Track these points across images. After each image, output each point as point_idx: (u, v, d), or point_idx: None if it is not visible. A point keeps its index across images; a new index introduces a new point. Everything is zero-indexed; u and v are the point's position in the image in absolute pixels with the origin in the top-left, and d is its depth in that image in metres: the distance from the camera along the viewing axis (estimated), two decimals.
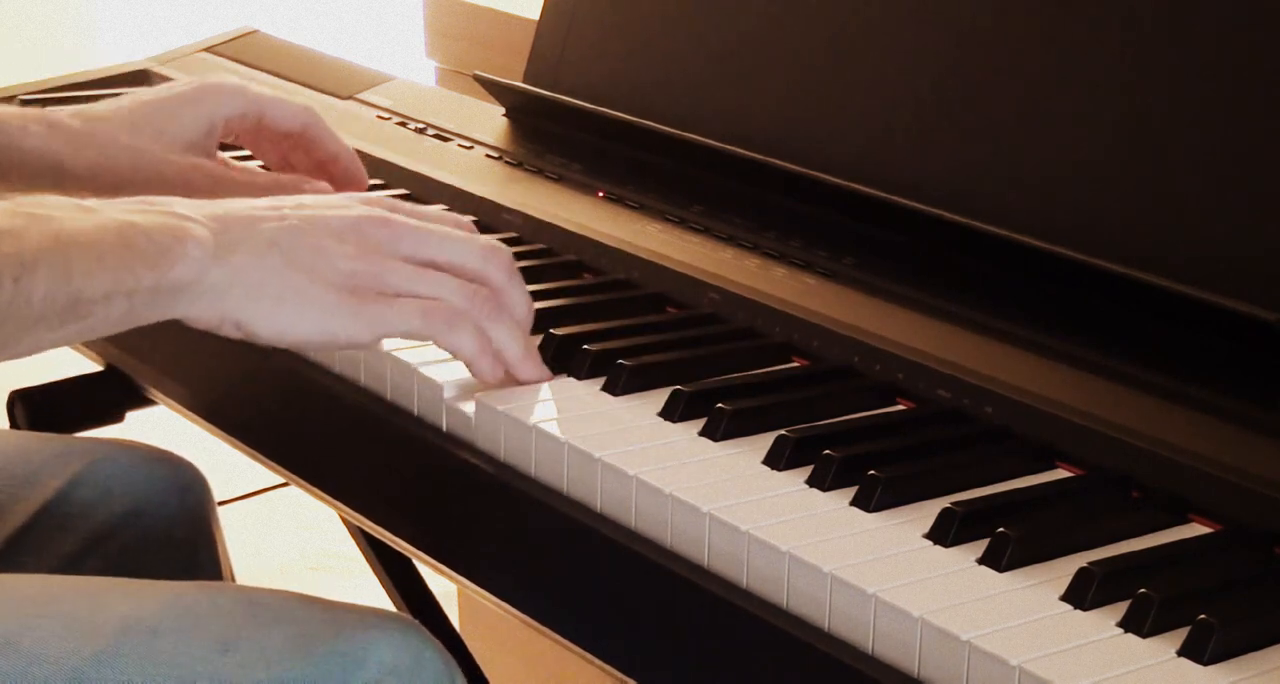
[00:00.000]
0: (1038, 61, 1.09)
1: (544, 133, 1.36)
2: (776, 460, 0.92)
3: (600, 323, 1.07)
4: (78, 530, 1.20)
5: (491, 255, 1.00)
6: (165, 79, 1.55)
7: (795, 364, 1.04)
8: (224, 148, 1.24)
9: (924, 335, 1.01)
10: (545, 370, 1.01)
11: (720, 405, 0.95)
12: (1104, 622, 0.78)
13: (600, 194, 1.24)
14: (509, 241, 1.20)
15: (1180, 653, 0.76)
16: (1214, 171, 1.00)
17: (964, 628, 0.77)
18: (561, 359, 1.02)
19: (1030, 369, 0.97)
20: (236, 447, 1.19)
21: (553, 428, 0.95)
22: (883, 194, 1.12)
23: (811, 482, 0.90)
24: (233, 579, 1.30)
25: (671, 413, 0.97)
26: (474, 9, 1.63)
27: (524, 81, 1.37)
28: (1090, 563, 0.80)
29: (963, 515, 0.85)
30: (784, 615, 0.83)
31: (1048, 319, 1.01)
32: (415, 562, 1.45)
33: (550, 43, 1.37)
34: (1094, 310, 1.01)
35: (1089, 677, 0.74)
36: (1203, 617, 0.76)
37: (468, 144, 1.35)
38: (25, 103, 1.49)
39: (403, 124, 1.40)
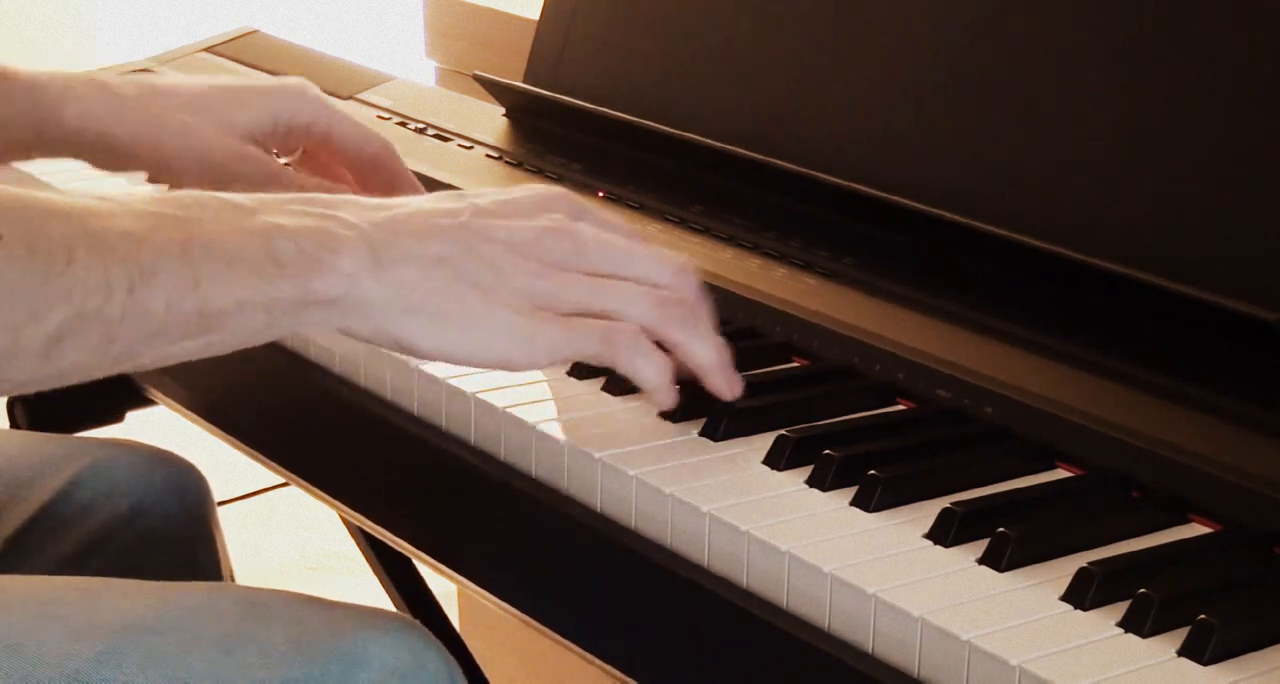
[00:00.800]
0: (1038, 61, 1.09)
1: (544, 133, 1.36)
2: (776, 460, 0.92)
3: None
4: (78, 530, 1.20)
5: (681, 270, 0.94)
6: None
7: (795, 364, 1.04)
8: None
9: (924, 335, 1.01)
10: (739, 382, 0.95)
11: (720, 405, 0.95)
12: (1104, 622, 0.78)
13: (600, 194, 1.24)
14: None
15: (1180, 653, 0.76)
16: (1214, 171, 1.00)
17: (964, 628, 0.77)
18: None
19: (1030, 369, 0.97)
20: (236, 447, 1.19)
21: (553, 428, 0.95)
22: (883, 194, 1.12)
23: (811, 482, 0.90)
24: (232, 579, 1.30)
25: (671, 413, 0.97)
26: (474, 9, 1.63)
27: (524, 81, 1.37)
28: (1090, 563, 0.80)
29: (963, 515, 0.85)
30: (784, 615, 0.83)
31: (1048, 319, 1.01)
32: (415, 562, 1.45)
33: (550, 43, 1.37)
34: (1094, 310, 1.01)
35: (1089, 677, 0.74)
36: (1203, 617, 0.76)
37: (468, 144, 1.35)
38: None
39: (403, 124, 1.40)
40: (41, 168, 1.27)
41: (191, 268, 0.84)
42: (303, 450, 1.14)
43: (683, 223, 1.18)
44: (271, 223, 0.87)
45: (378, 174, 1.15)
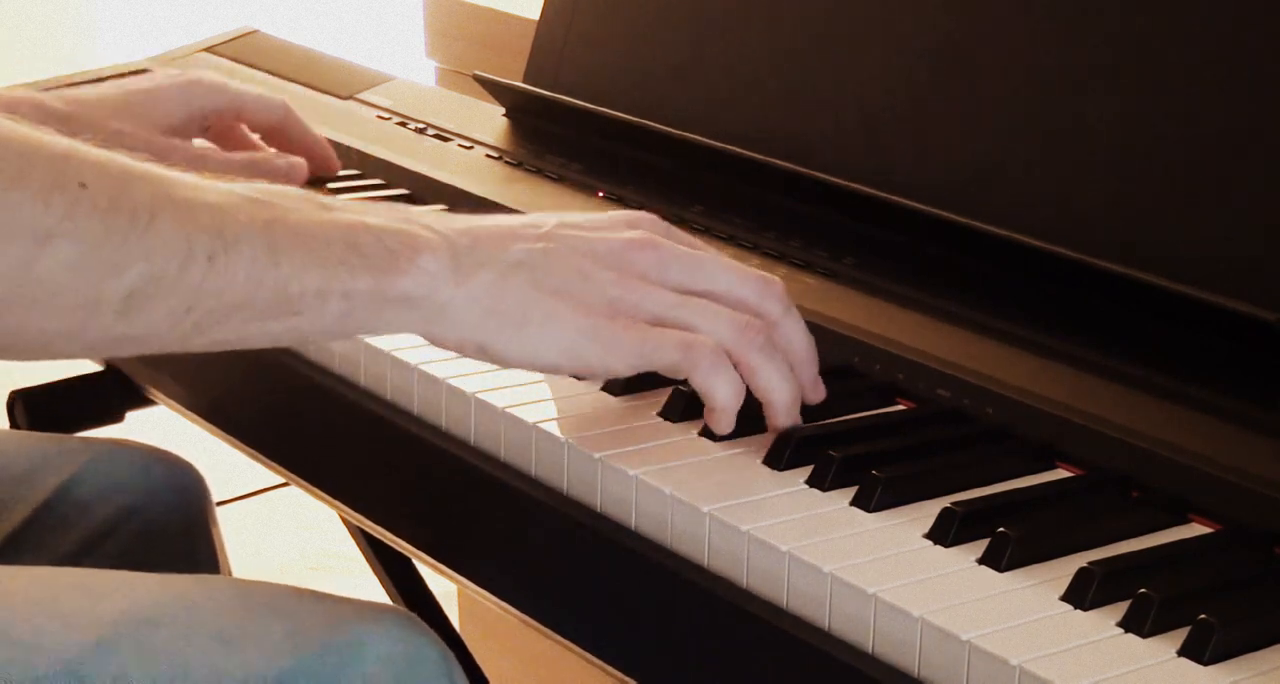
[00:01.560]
0: (1039, 61, 1.09)
1: (544, 133, 1.36)
2: (776, 460, 0.92)
3: None
4: (76, 529, 1.21)
5: (767, 287, 0.94)
6: None
7: None
8: None
9: (924, 335, 1.01)
10: (797, 417, 0.94)
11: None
12: (1104, 622, 0.78)
13: (600, 194, 1.24)
14: None
15: (1180, 653, 0.76)
16: (1214, 171, 1.00)
17: (964, 628, 0.77)
18: None
19: (1030, 369, 0.97)
20: (236, 447, 1.19)
21: (553, 428, 0.95)
22: (883, 194, 1.12)
23: (812, 482, 0.90)
24: None
25: (671, 413, 0.97)
26: (474, 9, 1.63)
27: (524, 81, 1.37)
28: (1090, 563, 0.80)
29: (963, 515, 0.85)
30: (784, 615, 0.83)
31: (1048, 319, 1.01)
32: (415, 562, 1.45)
33: (550, 43, 1.37)
34: (1094, 310, 1.01)
35: (1089, 677, 0.74)
36: (1203, 617, 0.76)
37: (468, 144, 1.35)
38: None
39: (403, 124, 1.40)
40: None
41: (273, 246, 0.85)
42: (303, 450, 1.14)
43: (683, 223, 1.18)
44: (356, 219, 0.88)
45: (286, 135, 1.28)
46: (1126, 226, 1.02)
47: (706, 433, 0.95)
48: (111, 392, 1.40)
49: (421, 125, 1.39)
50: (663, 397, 0.98)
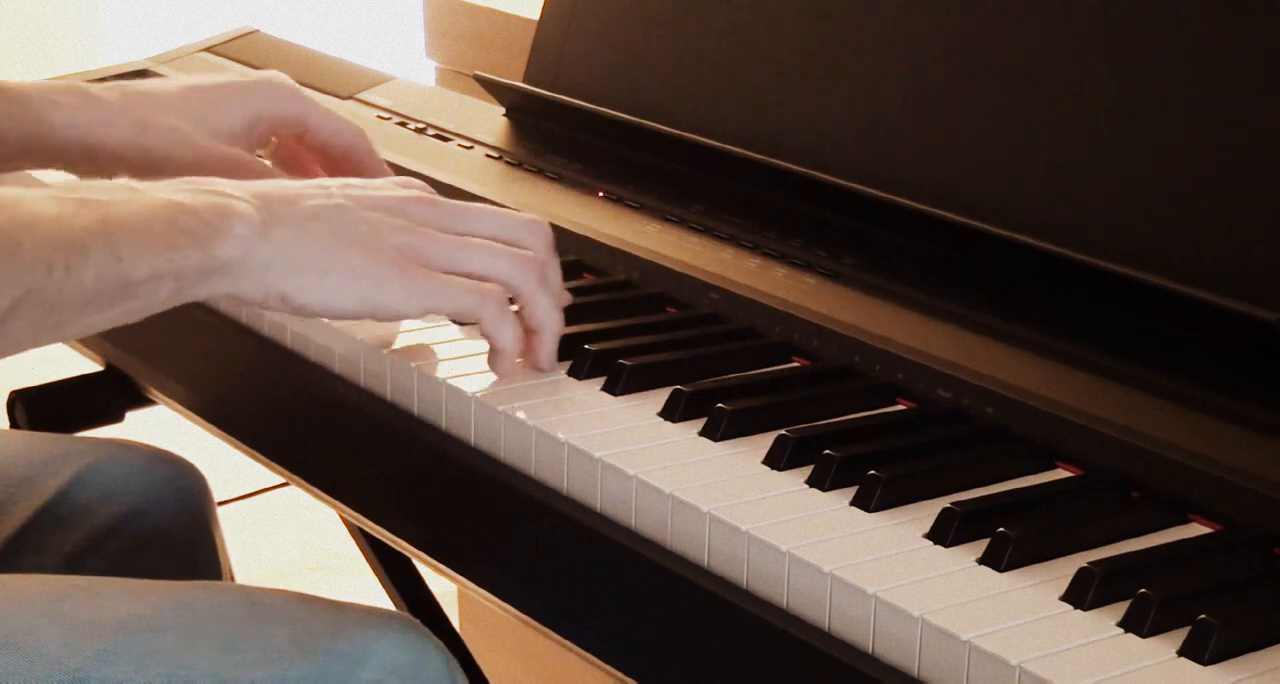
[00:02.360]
0: (1038, 61, 1.09)
1: (544, 133, 1.36)
2: (776, 460, 0.92)
3: (601, 323, 1.07)
4: (77, 530, 1.20)
5: (536, 228, 1.02)
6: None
7: (795, 364, 1.04)
8: None
9: (924, 335, 1.01)
10: (555, 362, 1.02)
11: (720, 405, 0.95)
12: (1104, 622, 0.78)
13: (600, 194, 1.24)
14: None
15: (1180, 653, 0.76)
16: (1213, 171, 1.00)
17: (964, 628, 0.77)
18: (562, 359, 1.02)
19: (1030, 369, 0.97)
20: (236, 447, 1.19)
21: (553, 428, 0.95)
22: (883, 194, 1.12)
23: (811, 482, 0.90)
24: (232, 579, 1.30)
25: (671, 413, 0.97)
26: (474, 9, 1.63)
27: (524, 81, 1.37)
28: (1090, 563, 0.80)
29: (963, 515, 0.85)
30: (784, 615, 0.83)
31: (1048, 319, 1.01)
32: (415, 562, 1.45)
33: (550, 43, 1.37)
34: (1094, 310, 1.01)
35: (1089, 677, 0.74)
36: (1203, 617, 0.76)
37: (468, 144, 1.35)
38: None
39: (403, 124, 1.40)
40: None
41: (111, 243, 0.90)
42: (303, 450, 1.14)
43: (683, 223, 1.18)
44: (171, 199, 0.93)
45: (349, 162, 1.19)
46: (1127, 227, 1.02)
47: (706, 432, 0.95)
48: (111, 392, 1.40)
49: (421, 125, 1.39)
50: (663, 396, 0.98)
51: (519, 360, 1.01)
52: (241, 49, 1.60)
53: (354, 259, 0.96)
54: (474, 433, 0.99)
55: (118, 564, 1.20)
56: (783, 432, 0.92)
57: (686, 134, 1.24)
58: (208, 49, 1.61)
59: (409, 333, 1.06)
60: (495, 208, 1.03)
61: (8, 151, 1.14)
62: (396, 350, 1.04)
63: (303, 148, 1.20)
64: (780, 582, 0.83)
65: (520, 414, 0.97)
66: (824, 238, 1.13)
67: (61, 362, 1.37)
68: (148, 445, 1.27)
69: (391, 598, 1.63)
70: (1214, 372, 0.94)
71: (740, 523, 0.85)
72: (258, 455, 1.17)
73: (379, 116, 1.42)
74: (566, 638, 0.94)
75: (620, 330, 1.06)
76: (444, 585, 1.51)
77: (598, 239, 1.17)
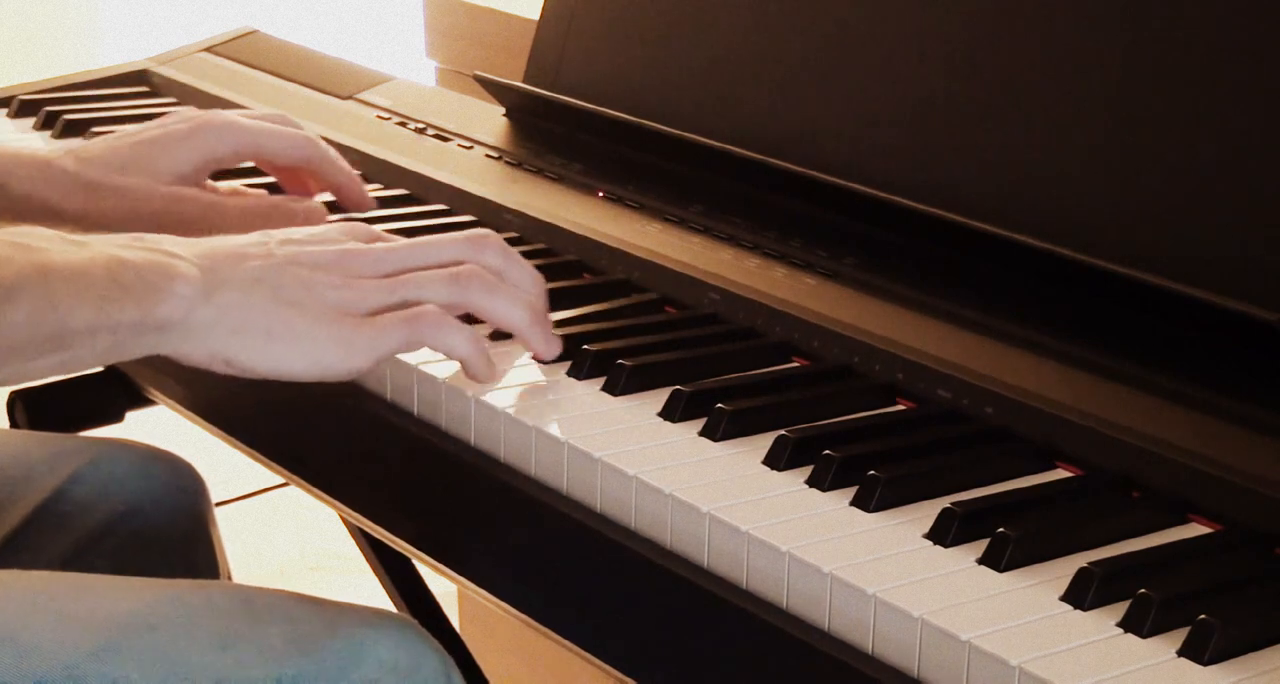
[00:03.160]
0: (1038, 61, 1.09)
1: (544, 133, 1.36)
2: (776, 460, 0.92)
3: (600, 323, 1.07)
4: (75, 529, 1.21)
5: (478, 244, 1.01)
6: (165, 79, 1.56)
7: (795, 364, 1.04)
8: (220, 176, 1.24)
9: (924, 335, 1.01)
10: (556, 342, 1.01)
11: (720, 405, 0.95)
12: (1104, 622, 0.78)
13: (600, 194, 1.24)
14: (509, 241, 1.20)
15: (1180, 653, 0.76)
16: (1213, 171, 1.00)
17: (964, 628, 0.77)
18: (562, 359, 1.02)
19: (1030, 369, 0.97)
20: (236, 447, 1.19)
21: (553, 428, 0.95)
22: (883, 194, 1.12)
23: (811, 482, 0.90)
24: (230, 579, 1.30)
25: (671, 413, 0.97)
26: (474, 9, 1.63)
27: (524, 81, 1.37)
28: (1090, 563, 0.80)
29: (963, 515, 0.85)
30: (784, 615, 0.83)
31: (1048, 319, 1.01)
32: (415, 562, 1.45)
33: (550, 43, 1.37)
34: (1094, 310, 1.01)
35: (1089, 677, 0.74)
36: (1203, 617, 0.76)
37: (468, 144, 1.35)
38: (25, 103, 1.50)
39: (403, 124, 1.40)
40: None
41: (48, 290, 0.90)
42: (303, 450, 1.14)
43: (683, 223, 1.18)
44: (112, 254, 0.93)
45: (313, 171, 1.22)
46: (1127, 227, 1.02)
47: (706, 433, 0.95)
48: (111, 391, 1.40)
49: (421, 125, 1.39)
50: (663, 397, 0.98)
51: (526, 361, 1.00)
52: (241, 49, 1.60)
53: (295, 322, 0.95)
54: (474, 433, 0.99)
55: (115, 563, 1.20)
56: (783, 432, 0.92)
57: (686, 134, 1.24)
58: (208, 49, 1.61)
59: None
60: (431, 238, 1.01)
61: None
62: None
63: (265, 164, 1.23)
64: (780, 582, 0.83)
65: (520, 414, 0.96)
66: (824, 238, 1.13)
67: None
68: (146, 445, 1.27)
69: (391, 598, 1.63)
70: (1214, 372, 0.94)
71: (740, 523, 0.85)
72: (257, 455, 1.17)
73: (379, 116, 1.42)
74: (566, 638, 0.94)
75: (620, 330, 1.06)
76: (444, 585, 1.51)
77: (598, 239, 1.17)
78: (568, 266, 1.16)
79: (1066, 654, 0.76)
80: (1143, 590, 0.78)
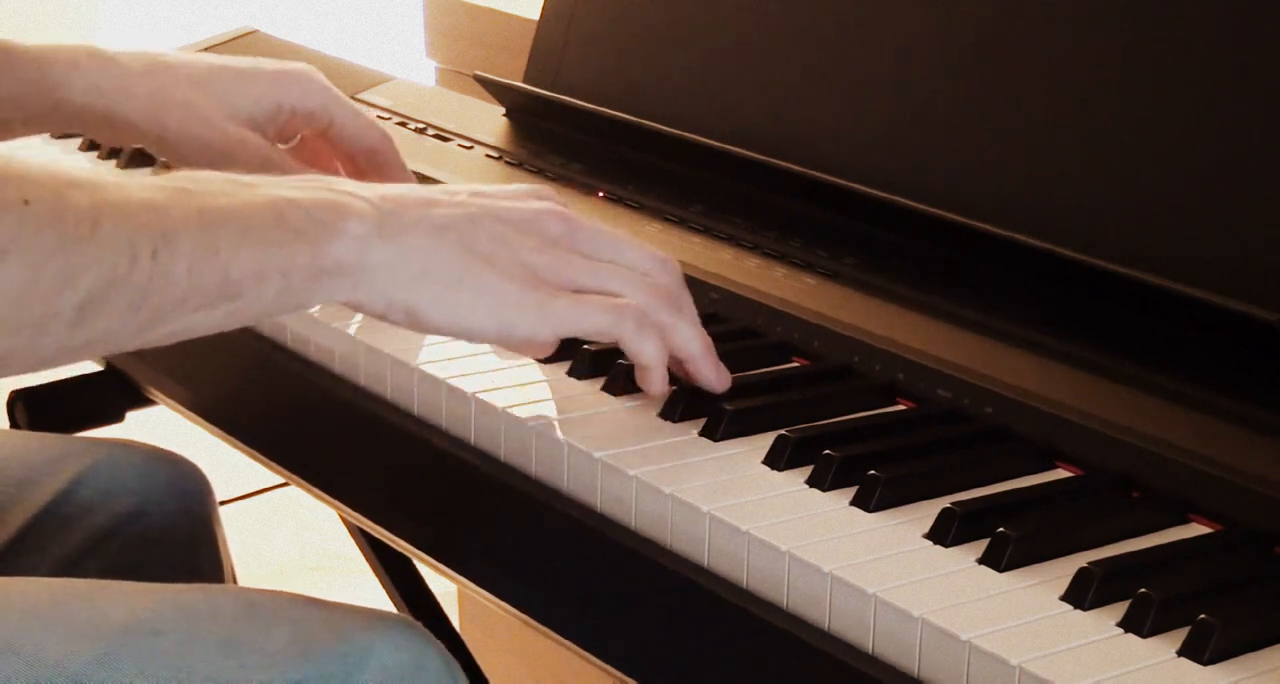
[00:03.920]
0: (1038, 61, 1.09)
1: (544, 133, 1.36)
2: (776, 460, 0.92)
3: None
4: (78, 530, 1.20)
5: (666, 265, 0.96)
6: None
7: (795, 364, 1.04)
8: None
9: (924, 335, 1.01)
10: (726, 374, 0.97)
11: (721, 405, 0.95)
12: (1104, 622, 0.78)
13: (600, 194, 1.24)
14: None
15: (1180, 653, 0.76)
16: (1213, 171, 1.00)
17: (964, 628, 0.77)
18: (561, 359, 1.02)
19: (1030, 369, 0.97)
20: (236, 447, 1.19)
21: (553, 428, 0.95)
22: (883, 194, 1.12)
23: (811, 482, 0.90)
24: (234, 579, 1.30)
25: (671, 413, 0.97)
26: (474, 9, 1.63)
27: (524, 81, 1.37)
28: (1090, 563, 0.80)
29: (963, 515, 0.85)
30: (784, 615, 0.83)
31: (1048, 319, 1.01)
32: (415, 562, 1.45)
33: (550, 43, 1.37)
34: (1094, 310, 1.01)
35: (1089, 677, 0.74)
36: (1203, 617, 0.76)
37: (468, 144, 1.35)
38: None
39: (403, 124, 1.40)
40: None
41: (210, 235, 0.85)
42: (303, 450, 1.14)
43: (683, 223, 1.18)
44: (279, 195, 0.88)
45: (372, 165, 1.17)
46: (1127, 227, 1.02)
47: (706, 433, 0.95)
48: (112, 391, 1.40)
49: (421, 125, 1.39)
50: (663, 396, 0.98)
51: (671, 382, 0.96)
52: (241, 49, 1.60)
53: (486, 276, 0.90)
54: (474, 433, 0.99)
55: (118, 564, 1.20)
56: (783, 432, 0.93)
57: (686, 134, 1.24)
58: (208, 49, 1.61)
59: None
60: (629, 237, 0.97)
61: (25, 115, 1.12)
62: (396, 350, 1.04)
63: (326, 145, 1.18)
64: (780, 582, 0.83)
65: (520, 414, 0.96)
66: (824, 238, 1.13)
67: None
68: (148, 445, 1.27)
69: (391, 598, 1.63)
70: (1214, 372, 0.94)
71: (740, 523, 0.85)
72: (258, 455, 1.17)
73: (379, 116, 1.42)
74: (566, 638, 0.94)
75: None
76: (444, 585, 1.51)
77: None
78: None
79: (1066, 654, 0.76)
80: (1143, 590, 0.78)
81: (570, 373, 1.02)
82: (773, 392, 0.99)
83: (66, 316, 0.82)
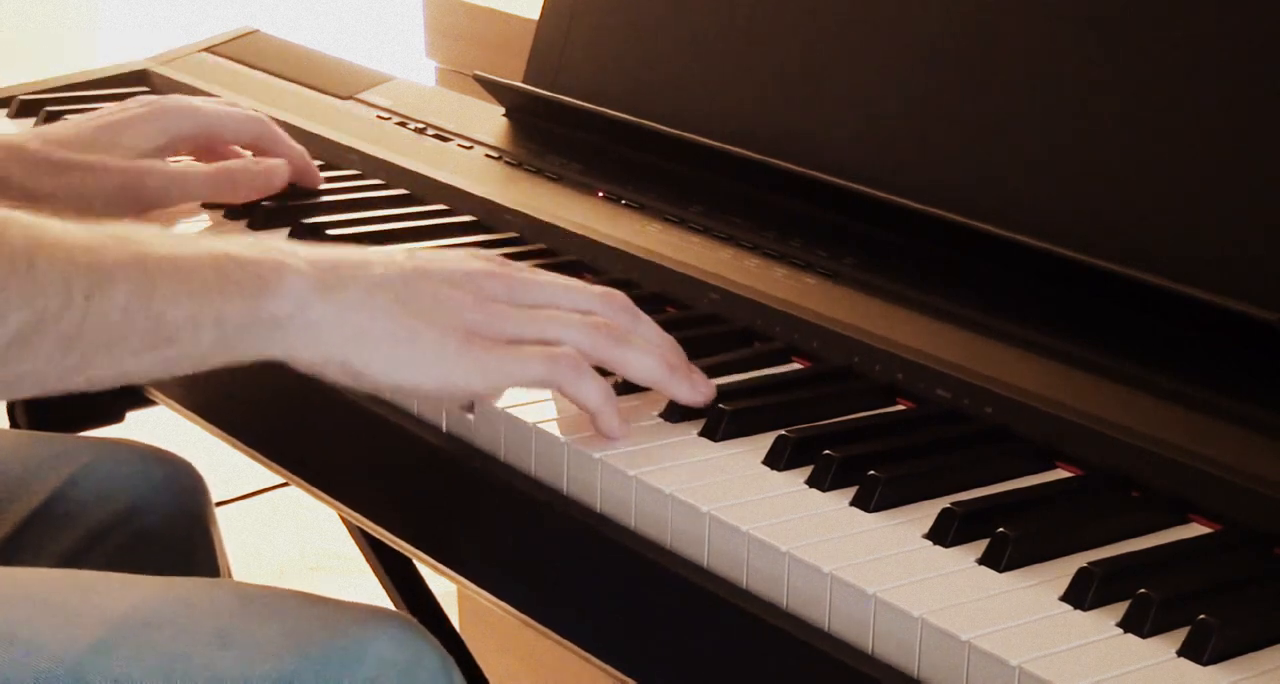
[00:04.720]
0: (1038, 61, 1.09)
1: (544, 133, 1.36)
2: (776, 460, 0.92)
3: None
4: (75, 529, 1.21)
5: (609, 300, 0.97)
6: (165, 79, 1.56)
7: (795, 364, 1.04)
8: None
9: (924, 335, 1.01)
10: (705, 384, 0.96)
11: (720, 405, 0.95)
12: (1104, 622, 0.78)
13: (600, 194, 1.24)
14: (509, 241, 1.20)
15: (1180, 653, 0.76)
16: (1214, 171, 1.00)
17: (964, 628, 0.77)
18: None
19: (1030, 369, 0.97)
20: (236, 447, 1.19)
21: (553, 428, 0.95)
22: (883, 194, 1.12)
23: (811, 482, 0.90)
24: (230, 578, 1.30)
25: (672, 413, 0.97)
26: (474, 9, 1.63)
27: (524, 81, 1.37)
28: (1090, 563, 0.80)
29: (963, 515, 0.85)
30: (784, 615, 0.83)
31: (1048, 319, 1.01)
32: (415, 562, 1.45)
33: (550, 43, 1.37)
34: (1094, 310, 1.01)
35: (1089, 677, 0.74)
36: (1203, 617, 0.76)
37: (468, 144, 1.35)
38: (25, 103, 1.50)
39: (403, 124, 1.40)
40: None
41: (148, 279, 0.87)
42: (303, 450, 1.14)
43: (683, 223, 1.18)
44: (221, 250, 0.90)
45: (262, 150, 1.28)
46: (1127, 227, 1.02)
47: (706, 433, 0.95)
48: (111, 391, 1.39)
49: (421, 125, 1.39)
50: (663, 397, 0.98)
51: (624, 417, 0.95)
52: (241, 49, 1.60)
53: (423, 332, 0.91)
54: (474, 433, 0.99)
55: (115, 563, 1.20)
56: (783, 432, 0.92)
57: (686, 134, 1.24)
58: (208, 49, 1.61)
59: None
60: (567, 280, 0.97)
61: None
62: None
63: (221, 145, 1.28)
64: (780, 582, 0.83)
65: (520, 414, 0.96)
66: (824, 238, 1.13)
67: None
68: (146, 445, 1.27)
69: (391, 598, 1.63)
70: (1214, 372, 0.94)
71: (740, 523, 0.85)
72: (257, 455, 1.17)
73: (379, 117, 1.42)
74: (566, 638, 0.94)
75: None
76: (444, 585, 1.51)
77: (598, 239, 1.17)
78: (568, 267, 1.16)
79: (1066, 654, 0.76)
80: (1142, 590, 0.78)
81: None
82: (773, 392, 0.99)
83: None
